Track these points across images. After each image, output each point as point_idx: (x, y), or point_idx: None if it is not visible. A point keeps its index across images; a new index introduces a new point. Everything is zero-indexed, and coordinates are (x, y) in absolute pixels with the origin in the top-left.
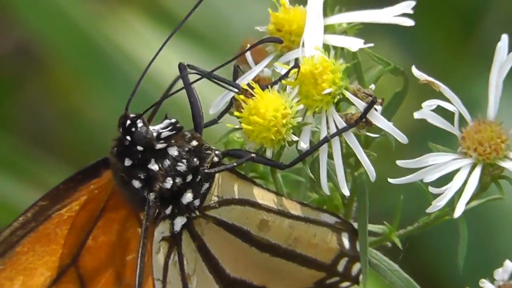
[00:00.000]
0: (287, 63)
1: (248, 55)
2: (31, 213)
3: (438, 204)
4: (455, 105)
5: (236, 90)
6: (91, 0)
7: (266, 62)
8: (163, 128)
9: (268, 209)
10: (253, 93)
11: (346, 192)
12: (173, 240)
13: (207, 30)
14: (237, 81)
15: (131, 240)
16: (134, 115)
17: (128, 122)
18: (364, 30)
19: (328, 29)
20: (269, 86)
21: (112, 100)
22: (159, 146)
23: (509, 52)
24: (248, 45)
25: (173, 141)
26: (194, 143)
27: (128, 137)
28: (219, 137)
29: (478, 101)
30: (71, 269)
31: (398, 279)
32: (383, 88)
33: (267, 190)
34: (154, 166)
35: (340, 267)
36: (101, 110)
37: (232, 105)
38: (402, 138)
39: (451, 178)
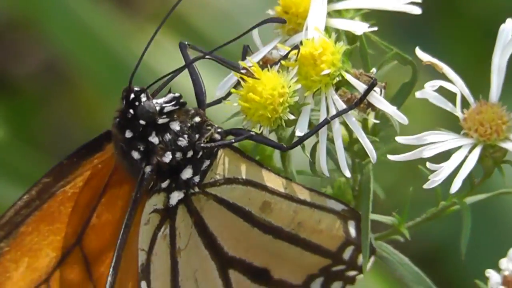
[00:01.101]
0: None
1: (256, 38)
2: (35, 191)
3: (435, 179)
4: (457, 86)
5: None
6: (119, 18)
7: (273, 44)
8: (166, 102)
9: (271, 191)
10: (252, 72)
11: (347, 174)
12: (166, 213)
13: (218, 37)
14: (244, 61)
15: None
16: (138, 89)
17: (132, 95)
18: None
19: (336, 15)
20: (268, 66)
21: None
22: (161, 121)
23: None
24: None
25: (175, 116)
26: (197, 119)
27: (131, 110)
28: (222, 119)
29: None
30: (76, 249)
31: (408, 273)
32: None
33: (272, 172)
34: (154, 139)
35: (346, 255)
36: None
37: (239, 85)
38: (403, 119)
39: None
